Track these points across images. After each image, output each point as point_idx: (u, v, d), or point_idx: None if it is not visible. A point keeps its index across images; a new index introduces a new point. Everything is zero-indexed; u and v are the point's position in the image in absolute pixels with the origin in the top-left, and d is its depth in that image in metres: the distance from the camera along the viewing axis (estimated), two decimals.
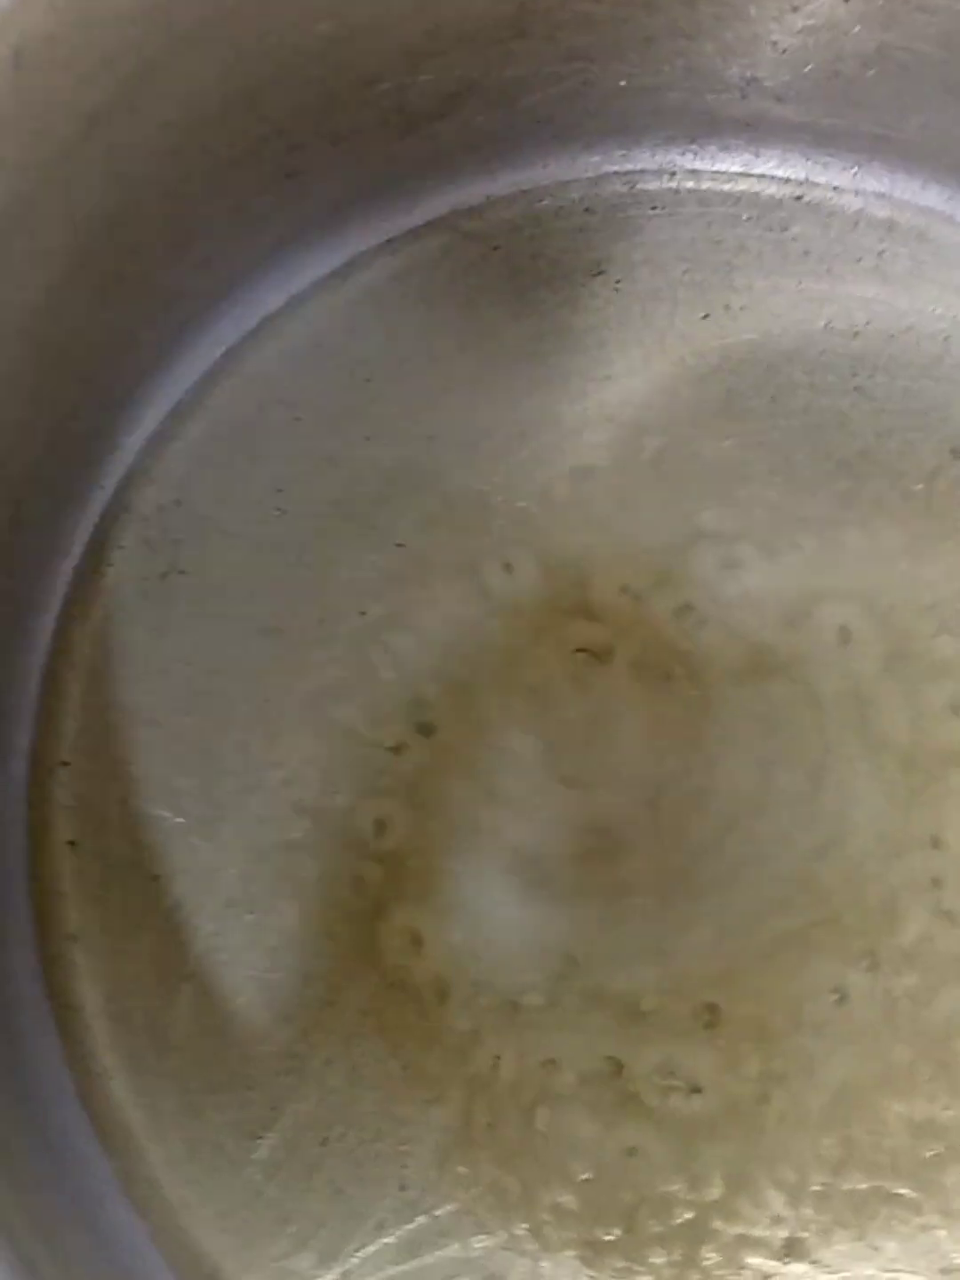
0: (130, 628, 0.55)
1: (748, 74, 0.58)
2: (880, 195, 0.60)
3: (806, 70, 0.58)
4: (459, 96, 0.56)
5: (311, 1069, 0.51)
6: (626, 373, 0.58)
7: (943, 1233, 0.50)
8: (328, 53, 0.50)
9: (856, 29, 0.56)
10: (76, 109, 0.42)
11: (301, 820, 0.53)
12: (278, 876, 0.53)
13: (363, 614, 0.56)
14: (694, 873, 0.53)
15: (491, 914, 0.52)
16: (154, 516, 0.57)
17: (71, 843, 0.53)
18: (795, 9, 0.55)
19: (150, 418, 0.57)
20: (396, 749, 0.54)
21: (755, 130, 0.60)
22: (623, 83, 0.58)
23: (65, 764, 0.54)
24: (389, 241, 0.60)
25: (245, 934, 0.52)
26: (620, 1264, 0.50)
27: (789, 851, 0.53)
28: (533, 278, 0.59)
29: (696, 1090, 0.51)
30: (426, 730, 0.54)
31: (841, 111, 0.59)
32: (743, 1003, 0.51)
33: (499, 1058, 0.51)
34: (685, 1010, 0.51)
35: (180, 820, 0.53)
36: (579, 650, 0.55)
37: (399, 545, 0.56)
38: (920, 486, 0.57)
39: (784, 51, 0.58)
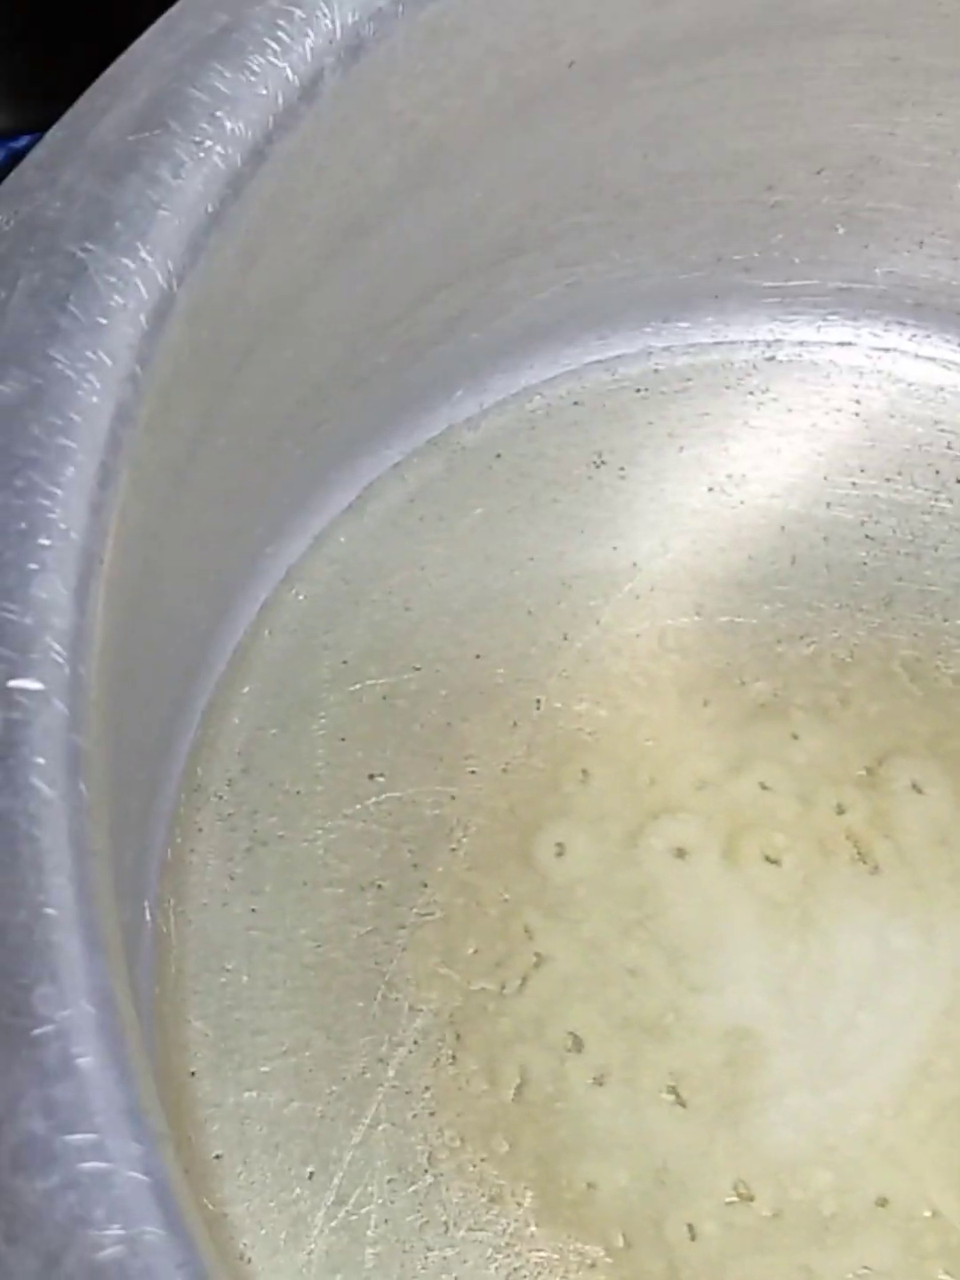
0: (226, 913, 0.44)
1: (718, 253, 0.50)
2: (845, 343, 0.53)
3: (776, 240, 0.50)
4: (459, 319, 0.47)
5: None
6: (649, 556, 0.49)
7: None
8: (362, 309, 0.40)
9: (825, 198, 0.48)
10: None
11: (439, 1079, 0.43)
12: (430, 1154, 0.42)
13: (454, 850, 0.46)
14: (838, 1058, 0.44)
15: (654, 1146, 0.43)
16: (226, 791, 0.46)
17: (217, 1156, 0.42)
18: (770, 188, 0.47)
19: (202, 689, 0.47)
20: (520, 985, 0.44)
21: (723, 300, 0.52)
22: (605, 280, 0.49)
23: (193, 1074, 0.43)
24: (395, 467, 0.50)
25: (410, 1214, 0.42)
26: None
27: (923, 1015, 0.44)
28: (539, 479, 0.50)
29: None
30: (540, 961, 0.44)
31: (807, 272, 0.51)
32: (915, 1184, 0.43)
33: None
34: (863, 1205, 0.43)
35: (318, 1108, 0.42)
36: (674, 849, 0.46)
37: (472, 772, 0.47)
38: (948, 621, 0.49)
39: (755, 226, 0.49)
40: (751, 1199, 0.42)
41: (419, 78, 0.33)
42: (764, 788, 0.47)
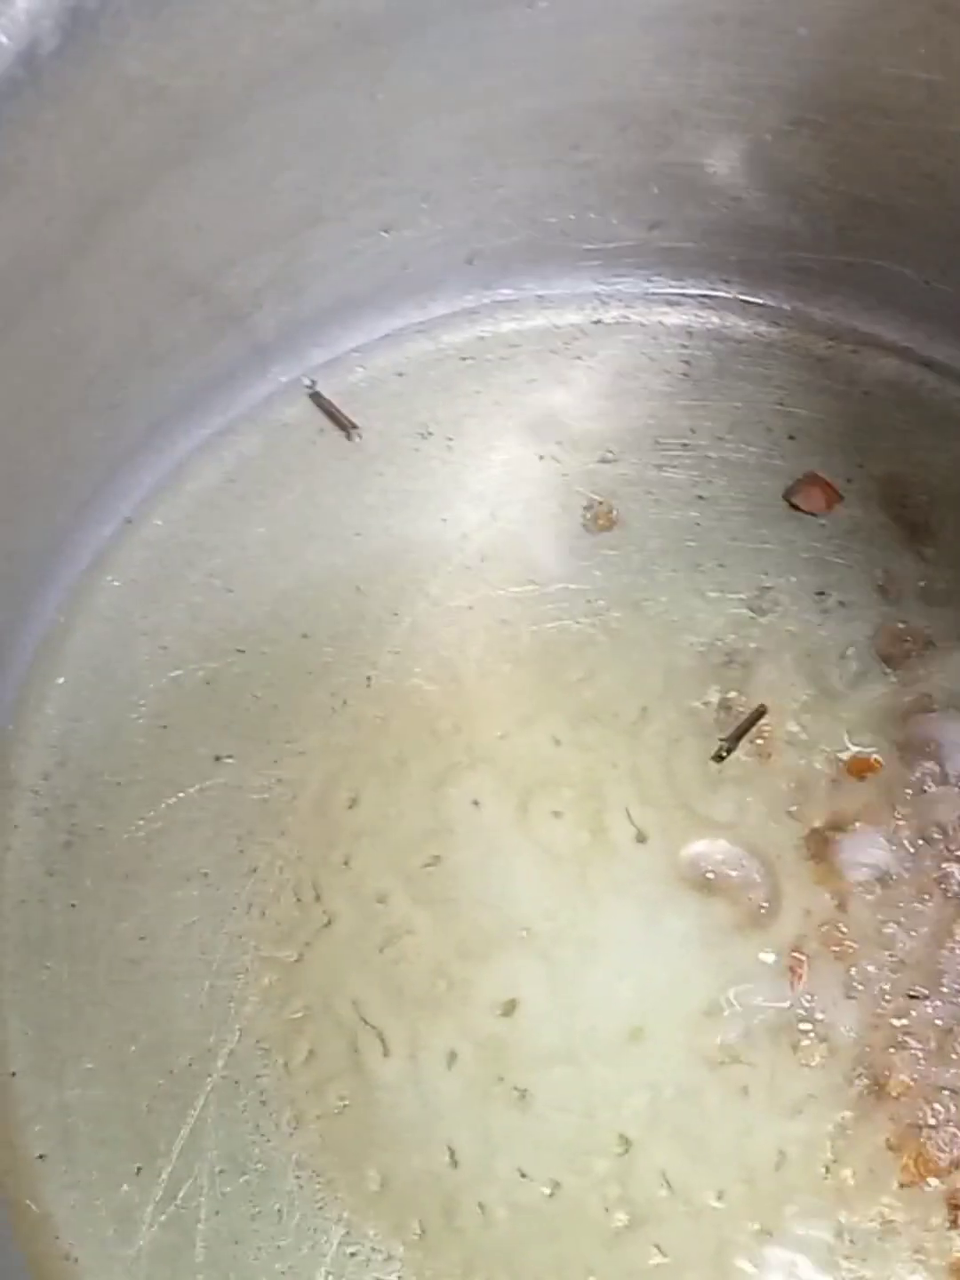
0: (45, 909, 0.45)
1: (532, 216, 0.50)
2: (672, 304, 0.53)
3: (589, 200, 0.50)
4: (263, 292, 0.47)
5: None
6: (479, 527, 0.50)
7: None
8: (144, 284, 0.40)
9: (634, 156, 0.49)
10: None
11: (269, 1066, 0.44)
12: (261, 1144, 0.43)
13: (282, 834, 0.46)
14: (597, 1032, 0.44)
15: (439, 1126, 0.43)
16: (41, 785, 0.46)
17: (41, 1156, 0.42)
18: (576, 147, 0.48)
19: (9, 682, 0.47)
20: (305, 951, 0.45)
21: (544, 265, 0.52)
22: (417, 247, 0.50)
23: (13, 1074, 0.43)
24: (211, 445, 0.50)
25: (242, 1205, 0.43)
26: None
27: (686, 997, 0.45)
28: (363, 452, 0.51)
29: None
30: (330, 921, 0.45)
31: (626, 232, 0.52)
32: (702, 1170, 0.44)
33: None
34: (647, 1189, 0.43)
35: (145, 1103, 0.43)
36: (471, 799, 0.46)
37: (300, 754, 0.47)
38: (783, 578, 0.50)
39: (566, 187, 0.50)
40: (553, 1185, 0.43)
41: (158, 41, 0.33)
42: (556, 742, 0.47)
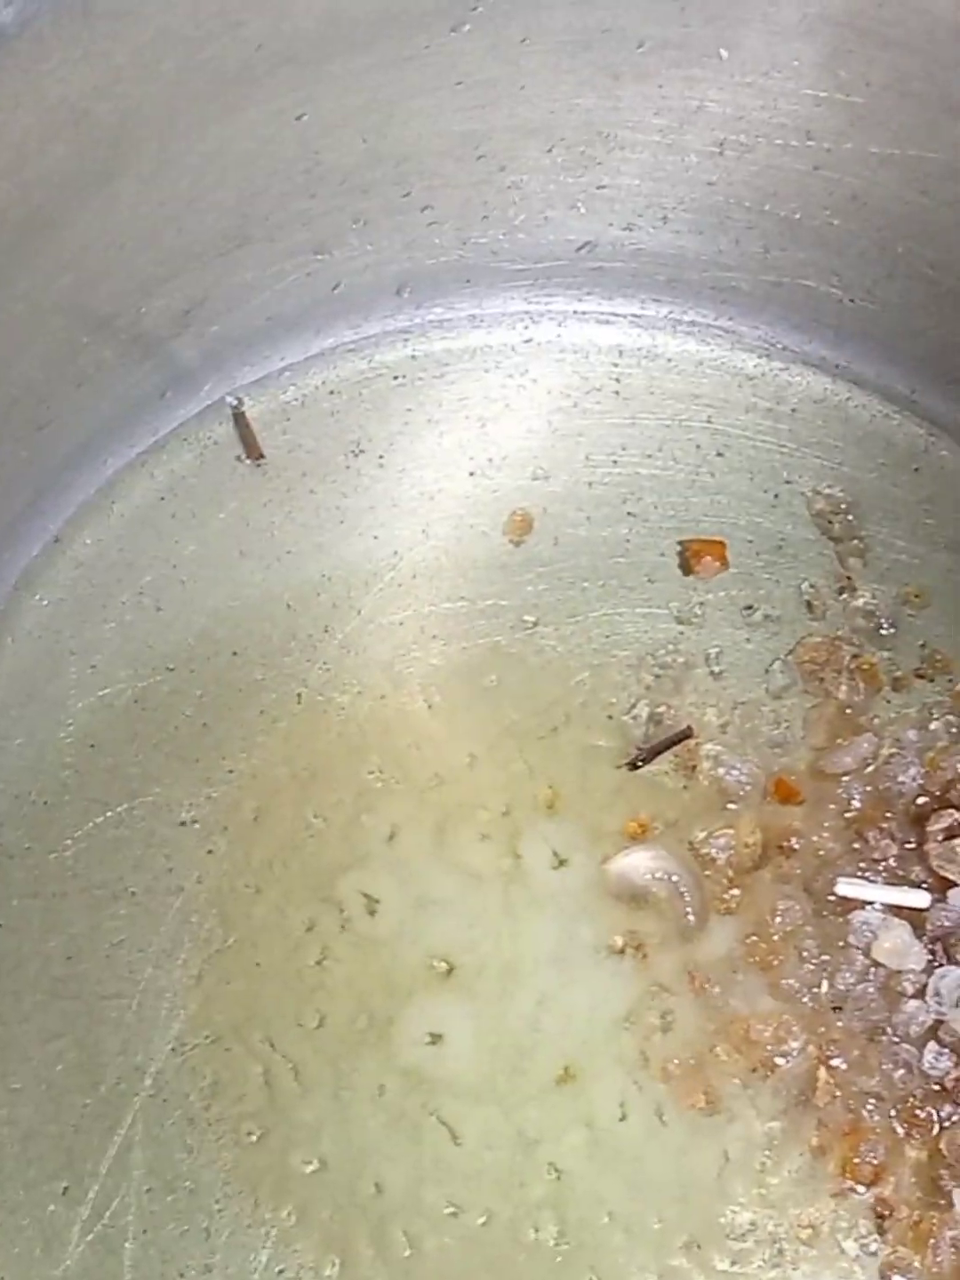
0: None
1: (462, 236, 0.52)
2: (602, 322, 0.55)
3: (518, 221, 0.52)
4: (191, 312, 0.48)
5: None
6: (411, 544, 0.51)
7: None
8: (68, 304, 0.42)
9: (561, 177, 0.51)
10: None
11: (196, 1086, 0.45)
12: (189, 1163, 0.44)
13: (210, 852, 0.47)
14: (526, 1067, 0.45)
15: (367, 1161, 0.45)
16: None
17: None
18: (503, 168, 0.50)
19: None
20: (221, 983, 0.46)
21: (475, 284, 0.54)
22: (347, 267, 0.51)
23: None
24: (142, 464, 0.51)
25: (170, 1223, 0.44)
26: None
27: (602, 1019, 0.46)
28: (295, 470, 0.52)
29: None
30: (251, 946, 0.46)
31: (555, 252, 0.53)
32: (641, 1197, 0.45)
33: None
34: (585, 1217, 0.45)
35: (72, 1122, 0.44)
36: (388, 831, 0.48)
37: (230, 772, 0.48)
38: (711, 594, 0.52)
39: (495, 207, 0.52)
40: (486, 1214, 0.44)
41: (79, 64, 0.34)
42: (474, 761, 0.48)
